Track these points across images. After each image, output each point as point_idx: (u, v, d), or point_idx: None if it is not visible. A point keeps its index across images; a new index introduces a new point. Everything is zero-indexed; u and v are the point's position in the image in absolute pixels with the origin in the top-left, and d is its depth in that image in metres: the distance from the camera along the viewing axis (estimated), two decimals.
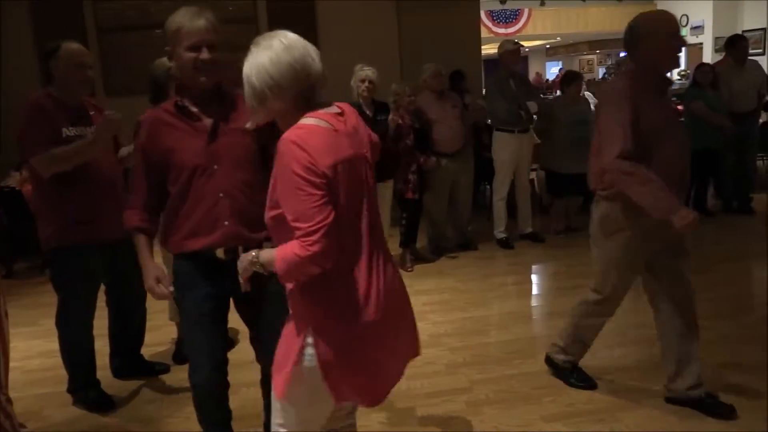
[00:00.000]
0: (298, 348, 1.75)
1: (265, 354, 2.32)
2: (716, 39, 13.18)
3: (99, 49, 7.44)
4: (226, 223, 2.21)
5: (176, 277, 2.30)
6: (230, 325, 4.11)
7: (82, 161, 2.93)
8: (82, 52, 3.10)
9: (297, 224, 1.62)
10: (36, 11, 7.55)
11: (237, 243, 2.21)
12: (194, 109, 2.23)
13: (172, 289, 2.24)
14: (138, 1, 7.81)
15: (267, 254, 1.77)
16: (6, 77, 7.14)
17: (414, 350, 1.98)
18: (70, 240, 3.03)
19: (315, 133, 1.68)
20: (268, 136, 2.10)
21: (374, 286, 1.77)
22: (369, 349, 1.77)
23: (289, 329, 1.83)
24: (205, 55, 2.14)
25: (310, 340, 1.74)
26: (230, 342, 3.91)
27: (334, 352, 1.73)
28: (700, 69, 6.42)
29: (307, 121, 1.71)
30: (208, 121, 2.23)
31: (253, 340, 2.52)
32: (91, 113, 3.15)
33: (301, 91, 1.72)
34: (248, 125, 1.94)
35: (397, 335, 1.87)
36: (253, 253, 1.82)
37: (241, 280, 1.88)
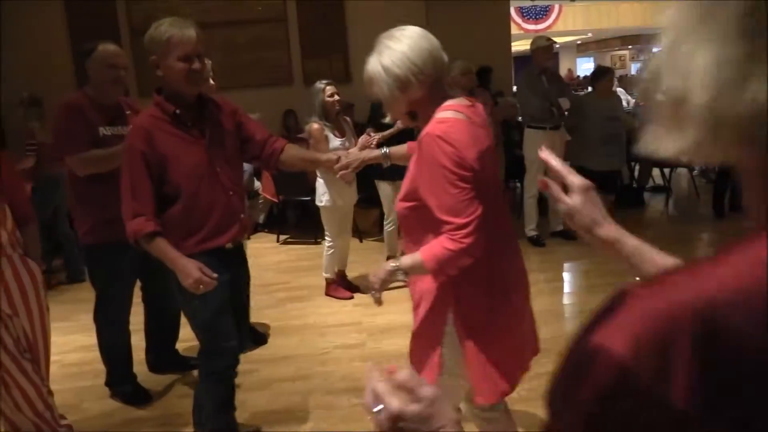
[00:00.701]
0: (439, 335, 1.84)
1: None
2: None
3: (132, 50, 7.57)
4: (242, 216, 2.42)
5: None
6: (262, 320, 4.20)
7: (119, 165, 3.00)
8: (115, 53, 3.14)
9: (448, 218, 1.67)
10: (70, 12, 7.73)
11: (243, 233, 2.48)
12: (186, 116, 2.30)
13: (216, 275, 2.27)
14: (169, 4, 7.92)
15: (409, 260, 1.79)
16: (42, 79, 7.32)
17: (535, 346, 2.06)
18: (104, 237, 3.08)
19: (457, 127, 1.71)
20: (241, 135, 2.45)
21: (511, 272, 1.87)
22: (507, 336, 1.87)
23: (423, 324, 1.88)
24: (196, 65, 2.22)
25: (449, 327, 1.83)
26: (262, 338, 3.98)
27: (476, 335, 1.82)
28: None
29: (446, 114, 1.74)
30: (200, 128, 2.34)
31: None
32: (128, 113, 3.21)
33: (437, 79, 1.77)
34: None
35: (523, 326, 1.95)
36: (393, 264, 1.83)
37: (376, 295, 1.89)
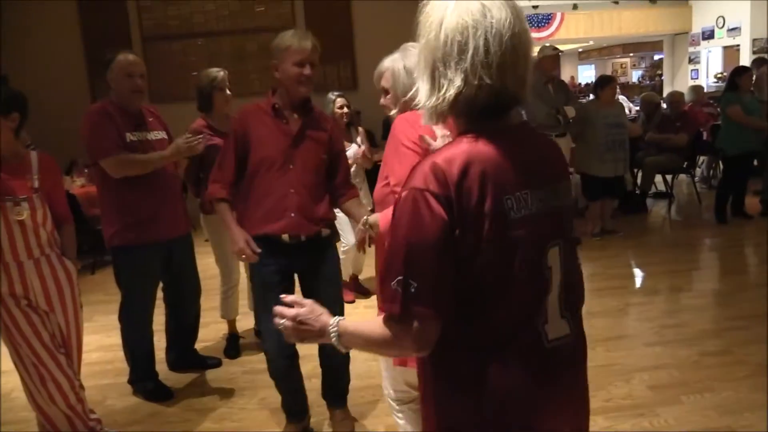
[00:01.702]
0: None
1: None
2: (754, 41, 13.03)
3: (143, 56, 7.68)
4: (292, 215, 2.58)
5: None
6: None
7: (151, 169, 3.13)
8: (132, 62, 3.22)
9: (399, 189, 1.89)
10: (84, 19, 7.86)
11: (299, 231, 2.62)
12: (286, 113, 2.61)
13: (259, 251, 2.54)
14: (180, 11, 8.06)
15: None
16: (57, 84, 7.45)
17: None
18: (131, 239, 3.20)
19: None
20: (335, 152, 2.75)
21: None
22: None
23: None
24: (308, 71, 2.52)
25: None
26: None
27: None
28: (740, 74, 6.38)
29: None
30: (294, 126, 2.62)
31: None
32: (150, 119, 3.34)
33: None
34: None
35: None
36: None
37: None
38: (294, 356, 2.81)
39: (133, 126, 3.22)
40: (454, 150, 1.15)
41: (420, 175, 1.14)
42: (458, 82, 1.14)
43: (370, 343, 1.24)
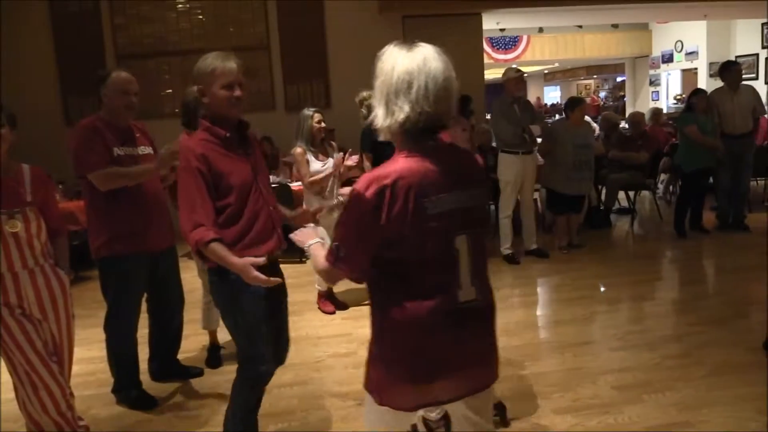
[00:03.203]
0: None
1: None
2: (710, 64, 13.60)
3: None
4: (279, 230, 2.64)
5: (230, 284, 2.49)
6: None
7: (139, 182, 3.24)
8: (127, 80, 3.35)
9: None
10: (58, 36, 7.90)
11: (282, 246, 2.67)
12: (234, 140, 2.58)
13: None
14: (154, 30, 8.16)
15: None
16: (30, 100, 7.45)
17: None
18: (118, 250, 3.30)
19: None
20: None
21: None
22: None
23: None
24: (237, 92, 2.50)
25: None
26: None
27: None
28: (696, 95, 6.75)
29: None
30: (242, 149, 2.61)
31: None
32: (137, 135, 3.45)
33: None
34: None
35: None
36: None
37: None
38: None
39: (121, 141, 3.33)
40: (390, 168, 1.63)
41: (363, 182, 1.63)
42: (407, 108, 1.62)
43: (317, 266, 1.81)
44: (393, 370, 1.71)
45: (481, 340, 1.77)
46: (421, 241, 1.63)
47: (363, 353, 4.07)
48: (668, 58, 15.57)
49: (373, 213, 1.60)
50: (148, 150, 3.45)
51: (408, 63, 1.63)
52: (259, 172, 2.64)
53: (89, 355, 4.19)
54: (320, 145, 4.82)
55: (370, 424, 1.82)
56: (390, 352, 1.71)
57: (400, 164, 1.64)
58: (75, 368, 4.07)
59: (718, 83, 7.04)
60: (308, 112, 4.77)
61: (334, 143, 5.12)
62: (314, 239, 2.00)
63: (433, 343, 1.66)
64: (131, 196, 3.28)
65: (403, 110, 1.63)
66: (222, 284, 2.54)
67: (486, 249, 1.80)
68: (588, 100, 19.21)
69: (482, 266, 1.77)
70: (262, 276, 2.30)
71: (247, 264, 2.30)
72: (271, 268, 2.54)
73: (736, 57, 12.52)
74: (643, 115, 8.40)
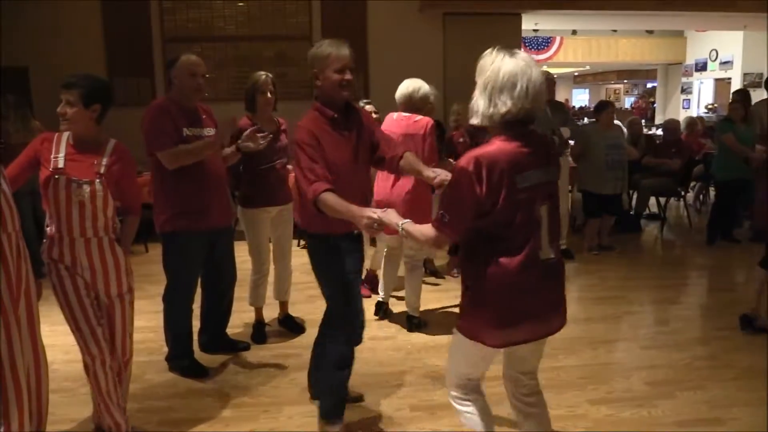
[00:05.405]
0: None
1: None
2: (745, 75, 13.53)
3: (163, 58, 7.96)
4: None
5: (325, 254, 2.82)
6: (297, 314, 4.57)
7: (203, 157, 3.41)
8: (196, 62, 3.52)
9: None
10: (107, 19, 8.11)
11: None
12: (340, 119, 2.78)
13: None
14: (200, 15, 8.36)
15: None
16: None
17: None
18: (182, 226, 3.48)
19: None
20: (374, 130, 2.95)
21: None
22: None
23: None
24: (348, 76, 2.73)
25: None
26: (300, 327, 4.37)
27: None
28: (732, 104, 6.83)
29: None
30: (350, 134, 2.81)
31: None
32: (203, 117, 3.63)
33: None
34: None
35: None
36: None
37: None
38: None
39: (189, 121, 3.50)
40: (488, 148, 2.03)
41: (466, 159, 2.01)
42: (509, 104, 2.01)
43: (425, 235, 2.16)
44: (487, 314, 2.09)
45: (556, 292, 2.20)
46: (512, 209, 2.01)
47: (402, 337, 4.29)
48: (702, 67, 15.50)
49: (473, 186, 1.97)
50: (213, 132, 3.62)
51: (512, 66, 2.02)
52: (360, 153, 2.82)
53: (138, 325, 4.38)
54: None
55: (462, 356, 2.28)
56: (485, 298, 2.09)
57: (496, 145, 2.04)
58: None
59: (753, 94, 7.07)
60: (361, 103, 4.94)
61: None
62: (403, 219, 2.27)
63: (519, 292, 2.06)
64: (195, 175, 3.45)
65: (506, 104, 2.01)
66: (321, 245, 2.84)
67: (559, 217, 2.21)
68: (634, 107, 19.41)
69: (557, 231, 2.17)
70: (374, 215, 2.36)
71: (358, 212, 2.43)
72: (356, 240, 2.88)
73: None
74: (678, 122, 8.45)
